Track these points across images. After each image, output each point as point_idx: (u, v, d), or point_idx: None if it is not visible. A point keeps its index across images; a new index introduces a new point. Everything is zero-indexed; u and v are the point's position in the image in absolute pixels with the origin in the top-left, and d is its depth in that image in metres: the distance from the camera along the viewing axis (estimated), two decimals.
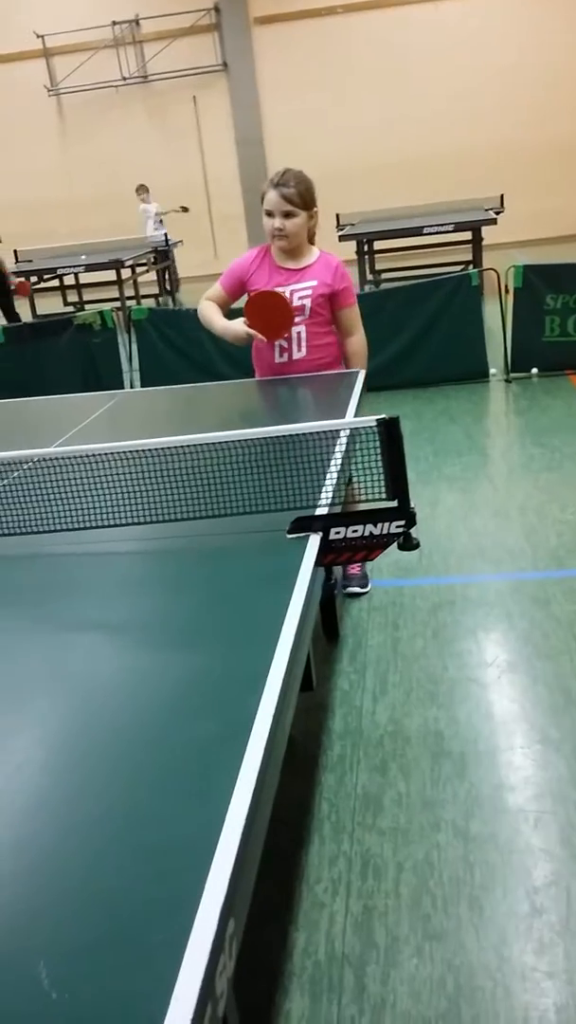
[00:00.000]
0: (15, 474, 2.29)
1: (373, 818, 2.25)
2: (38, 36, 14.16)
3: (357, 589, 3.41)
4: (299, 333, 3.11)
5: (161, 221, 12.70)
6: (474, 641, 3.01)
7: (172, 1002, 0.78)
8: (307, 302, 3.08)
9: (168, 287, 12.20)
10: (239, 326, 3.07)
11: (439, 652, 2.95)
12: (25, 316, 10.72)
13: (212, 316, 3.20)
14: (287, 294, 3.06)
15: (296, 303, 3.07)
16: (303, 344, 3.13)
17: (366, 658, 2.97)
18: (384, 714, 2.66)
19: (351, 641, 3.09)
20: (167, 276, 12.21)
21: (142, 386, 6.34)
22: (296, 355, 3.15)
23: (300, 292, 3.09)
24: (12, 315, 9.11)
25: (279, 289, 3.07)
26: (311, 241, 3.16)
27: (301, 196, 3.00)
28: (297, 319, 3.09)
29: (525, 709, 2.60)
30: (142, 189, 12.94)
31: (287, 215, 3.00)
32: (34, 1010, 0.80)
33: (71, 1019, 0.79)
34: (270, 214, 3.02)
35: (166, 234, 12.14)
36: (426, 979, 1.80)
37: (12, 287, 9.03)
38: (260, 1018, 1.76)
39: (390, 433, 1.72)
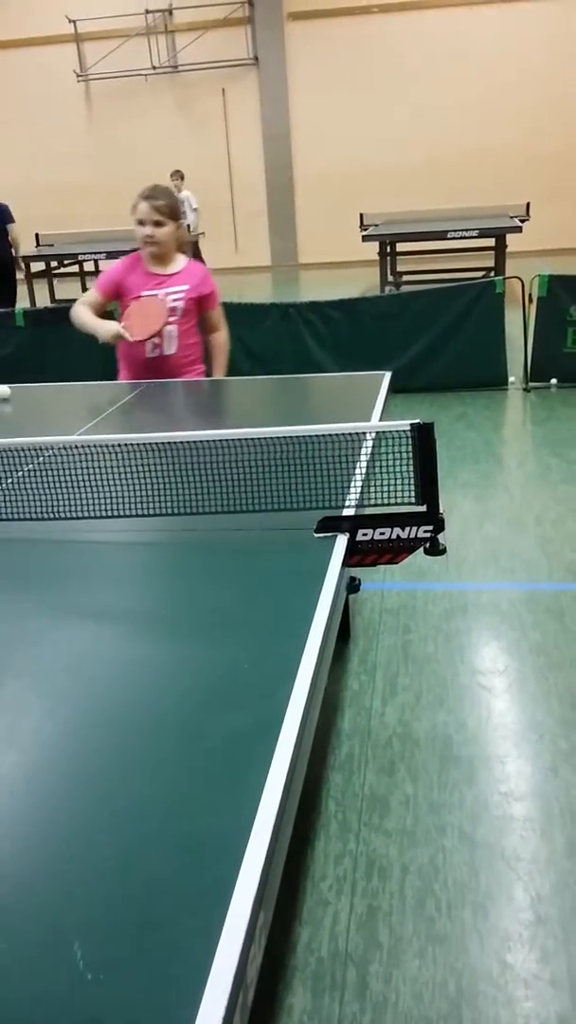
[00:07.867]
0: (40, 459, 2.31)
1: (380, 819, 2.27)
2: (70, 21, 14.15)
3: None
4: (170, 332, 3.43)
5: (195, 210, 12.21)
6: (486, 648, 3.02)
7: (207, 988, 0.79)
8: (179, 304, 3.43)
9: None
10: (112, 324, 3.37)
11: (450, 657, 2.96)
12: (43, 301, 10.76)
13: (84, 317, 3.47)
14: (161, 295, 3.37)
15: (170, 304, 3.39)
16: (174, 342, 3.46)
17: (376, 659, 2.98)
18: (393, 716, 2.67)
19: (362, 642, 3.10)
20: None
21: None
22: (167, 351, 3.46)
23: (173, 295, 3.42)
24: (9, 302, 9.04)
25: (152, 293, 3.37)
26: (180, 250, 3.50)
27: (169, 207, 3.36)
28: (170, 319, 3.39)
29: (536, 719, 2.61)
30: (176, 175, 12.16)
31: (157, 224, 3.34)
32: (69, 990, 0.82)
33: (106, 999, 0.80)
34: (142, 223, 3.35)
35: (189, 224, 12.05)
36: (428, 981, 1.82)
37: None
38: (262, 1012, 1.77)
39: (423, 438, 1.73)
